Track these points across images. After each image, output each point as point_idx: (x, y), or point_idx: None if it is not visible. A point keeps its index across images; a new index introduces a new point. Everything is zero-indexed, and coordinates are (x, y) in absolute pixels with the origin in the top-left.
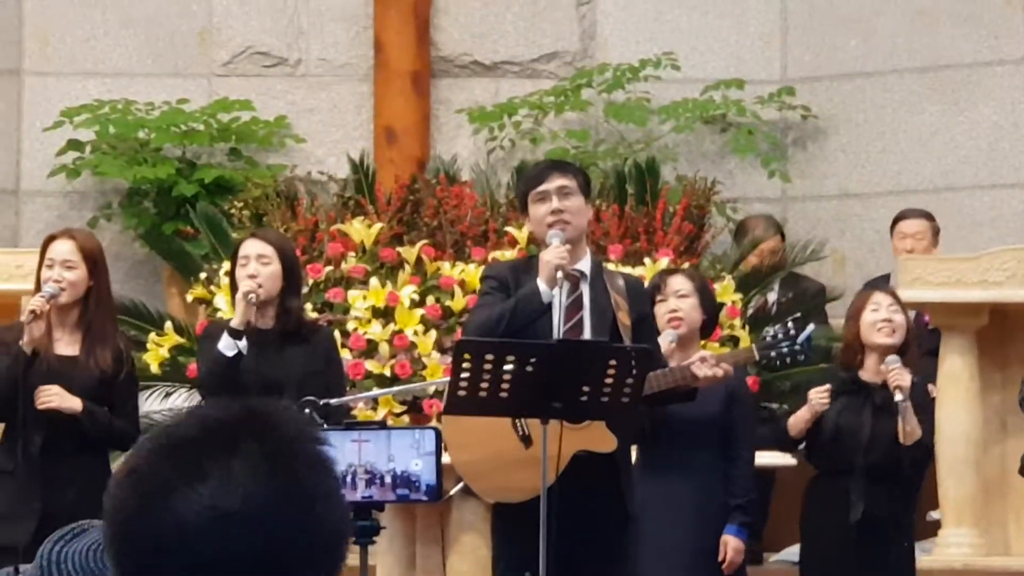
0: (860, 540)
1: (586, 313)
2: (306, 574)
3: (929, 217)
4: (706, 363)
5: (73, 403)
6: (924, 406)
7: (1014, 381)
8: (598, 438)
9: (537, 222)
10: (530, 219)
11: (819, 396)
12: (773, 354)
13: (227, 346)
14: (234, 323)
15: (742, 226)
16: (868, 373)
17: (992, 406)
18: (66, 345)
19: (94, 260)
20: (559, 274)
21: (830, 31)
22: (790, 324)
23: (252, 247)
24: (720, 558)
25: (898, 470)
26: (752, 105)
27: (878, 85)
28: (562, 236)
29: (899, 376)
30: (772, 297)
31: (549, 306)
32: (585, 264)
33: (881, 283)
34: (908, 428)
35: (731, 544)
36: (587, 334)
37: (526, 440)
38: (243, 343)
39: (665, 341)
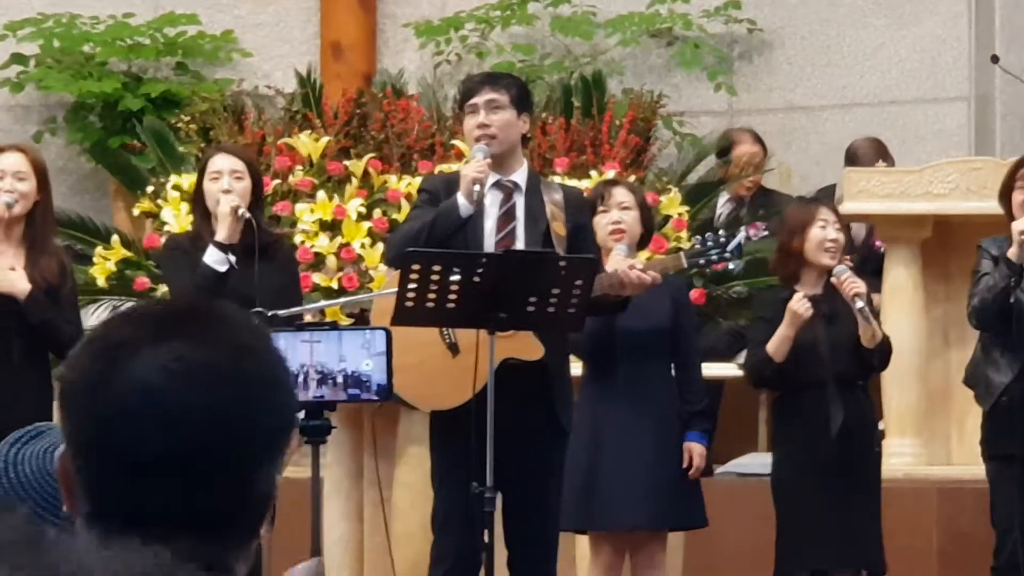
0: (837, 451)
1: (519, 223)
2: (259, 439)
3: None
4: (633, 271)
5: (22, 285)
6: (875, 311)
7: (957, 293)
8: (525, 346)
9: (467, 134)
10: (464, 129)
11: (802, 305)
12: (702, 262)
13: (218, 261)
14: (220, 237)
15: (724, 136)
16: (807, 287)
17: (935, 318)
18: (10, 259)
19: (43, 174)
20: (476, 188)
21: None
22: (721, 232)
23: (224, 162)
24: (685, 465)
25: (862, 374)
26: (698, 19)
27: None
28: (486, 151)
29: (854, 284)
30: (744, 213)
31: (468, 219)
32: (520, 175)
33: (822, 196)
34: (871, 331)
35: (695, 450)
36: (519, 244)
37: (453, 348)
38: (232, 257)
39: (620, 256)
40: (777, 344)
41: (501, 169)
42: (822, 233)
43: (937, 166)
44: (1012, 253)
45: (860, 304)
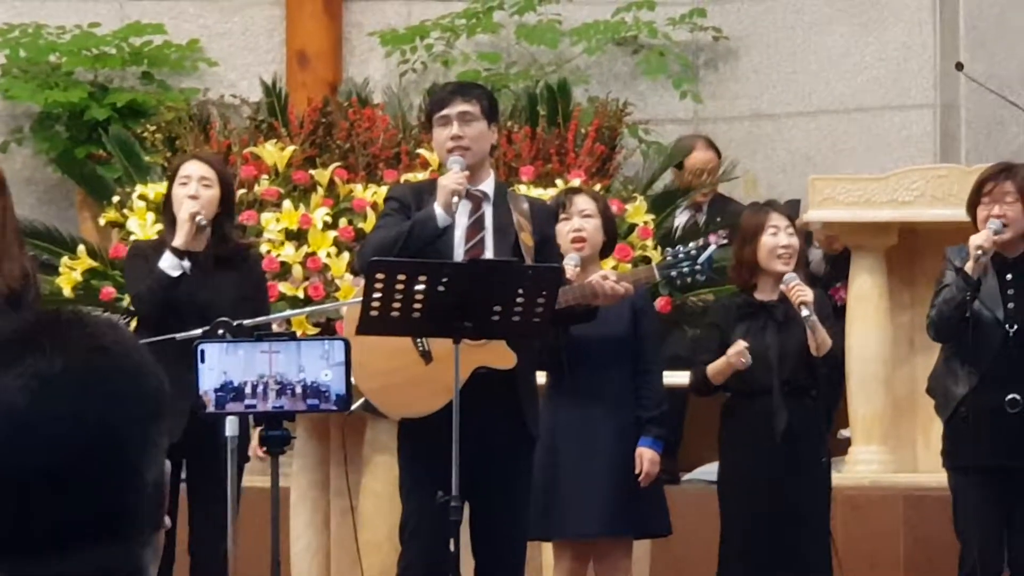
0: (781, 457)
1: (488, 233)
2: (134, 430)
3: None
4: (607, 281)
5: None
6: (828, 315)
7: (922, 300)
8: (498, 354)
9: (439, 145)
10: (433, 141)
11: (739, 358)
12: (674, 274)
13: (172, 266)
14: (177, 243)
15: (678, 144)
16: (763, 293)
17: (901, 325)
18: None
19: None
20: (455, 199)
21: None
22: (691, 245)
23: (194, 168)
24: (636, 471)
25: (812, 383)
26: (663, 27)
27: (788, 6)
28: (462, 162)
29: (801, 292)
30: (702, 218)
31: (445, 230)
32: (488, 185)
33: (790, 206)
34: (818, 341)
35: (646, 456)
36: (489, 254)
37: (426, 356)
38: (187, 263)
39: (569, 265)
40: (716, 371)
41: (470, 179)
42: (773, 240)
43: (902, 173)
44: (968, 267)
45: (806, 312)
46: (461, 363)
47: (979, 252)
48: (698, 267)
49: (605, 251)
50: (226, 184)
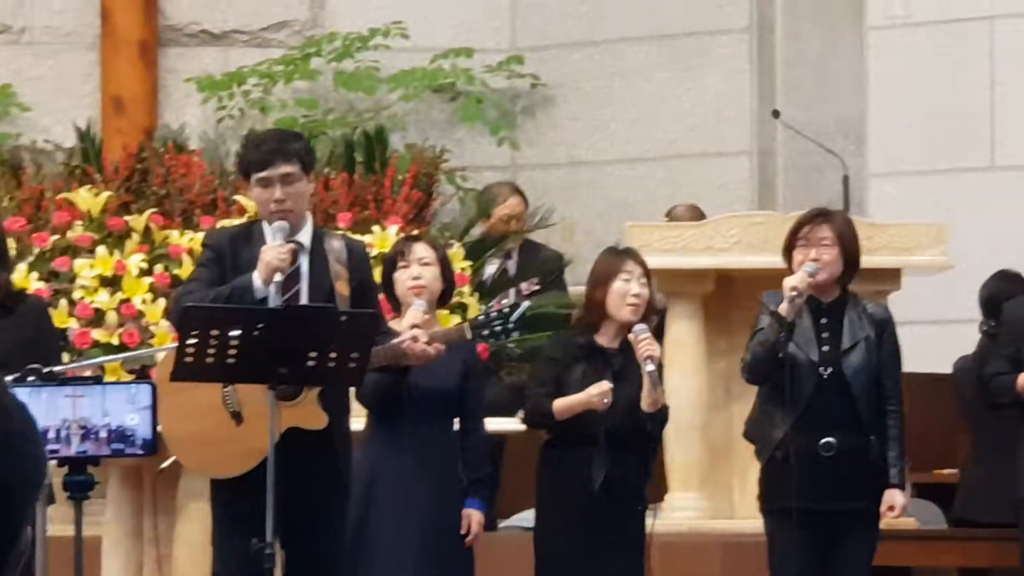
0: (599, 506)
1: (303, 284)
2: (28, 490)
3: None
4: (418, 342)
5: None
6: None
7: (739, 347)
8: (309, 415)
9: (260, 205)
10: (253, 195)
11: (601, 399)
12: (486, 332)
13: None
14: None
15: (486, 192)
16: (605, 338)
17: (717, 372)
18: None
19: None
20: (277, 277)
21: None
22: (504, 302)
23: None
24: (463, 531)
25: (637, 435)
26: (481, 74)
27: (607, 53)
28: (286, 230)
29: (649, 346)
30: (512, 265)
31: (263, 300)
32: (305, 235)
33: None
34: (655, 397)
35: (475, 517)
36: (303, 302)
37: (236, 417)
38: None
39: (418, 311)
40: (566, 407)
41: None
42: (624, 287)
43: (719, 221)
44: (782, 308)
45: (651, 367)
46: (273, 425)
47: (793, 293)
48: (511, 325)
49: (444, 298)
50: None
